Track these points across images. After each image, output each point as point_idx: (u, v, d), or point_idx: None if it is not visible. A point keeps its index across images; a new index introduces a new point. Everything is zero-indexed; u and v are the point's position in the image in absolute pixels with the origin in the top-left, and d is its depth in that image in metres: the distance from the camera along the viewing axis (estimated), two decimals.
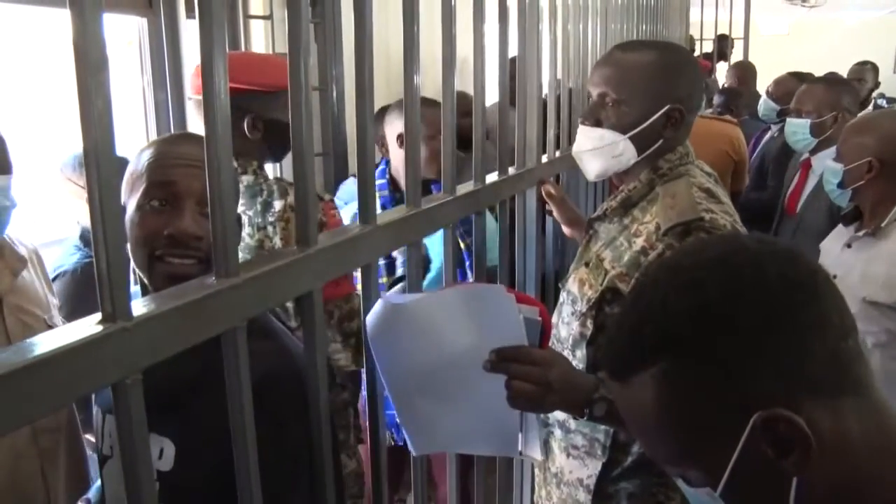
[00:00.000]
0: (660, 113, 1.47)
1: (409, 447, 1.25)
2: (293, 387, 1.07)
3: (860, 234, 2.07)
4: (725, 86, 5.42)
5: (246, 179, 1.72)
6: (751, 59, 6.44)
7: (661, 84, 1.47)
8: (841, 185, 2.12)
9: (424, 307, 1.12)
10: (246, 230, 1.69)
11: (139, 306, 0.70)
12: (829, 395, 0.69)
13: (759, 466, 0.69)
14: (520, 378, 1.12)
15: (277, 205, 1.71)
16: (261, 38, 2.61)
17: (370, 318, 1.13)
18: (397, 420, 1.23)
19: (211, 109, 0.79)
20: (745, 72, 5.39)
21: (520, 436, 1.22)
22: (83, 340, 0.64)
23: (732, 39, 6.52)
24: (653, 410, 0.73)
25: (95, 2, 0.63)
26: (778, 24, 11.18)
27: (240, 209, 1.64)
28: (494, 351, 1.12)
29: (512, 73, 1.70)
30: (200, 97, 1.72)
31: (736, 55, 6.53)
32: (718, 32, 6.51)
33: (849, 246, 2.10)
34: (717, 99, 5.09)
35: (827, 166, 2.19)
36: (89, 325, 0.66)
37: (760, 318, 0.69)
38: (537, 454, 1.24)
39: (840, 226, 2.21)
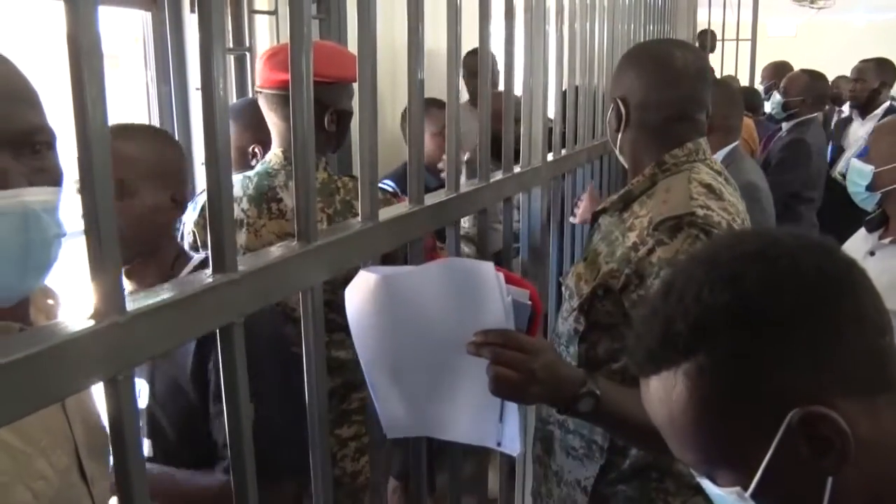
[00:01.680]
0: (612, 106, 1.58)
1: (384, 430, 1.20)
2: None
3: (886, 241, 1.96)
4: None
5: (319, 177, 1.72)
6: (758, 61, 6.41)
7: (614, 79, 1.62)
8: (870, 188, 2.00)
9: (406, 280, 1.07)
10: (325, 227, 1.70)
11: (133, 301, 0.69)
12: (866, 392, 0.68)
13: (793, 465, 0.67)
14: (503, 364, 1.06)
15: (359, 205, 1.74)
16: (265, 33, 2.61)
17: (349, 289, 1.08)
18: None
19: (210, 104, 0.78)
20: (780, 71, 5.29)
21: (498, 426, 1.16)
22: (73, 335, 0.62)
23: (713, 33, 6.37)
24: (684, 407, 0.71)
25: None
26: (786, 25, 11.16)
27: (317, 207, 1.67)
28: (479, 333, 1.06)
29: (472, 68, 1.70)
30: (272, 91, 1.76)
31: (743, 57, 6.49)
32: (726, 34, 6.48)
33: (872, 254, 1.98)
34: None
35: (853, 166, 2.07)
36: (80, 320, 0.65)
37: (798, 311, 0.68)
38: (516, 447, 1.18)
39: (860, 232, 2.09)
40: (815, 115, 4.15)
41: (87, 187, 0.64)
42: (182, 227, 1.83)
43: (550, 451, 1.61)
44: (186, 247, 1.73)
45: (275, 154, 1.82)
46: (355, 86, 1.10)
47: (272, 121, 1.82)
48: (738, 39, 6.54)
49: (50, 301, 1.01)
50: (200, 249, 1.74)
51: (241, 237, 1.75)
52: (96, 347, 0.64)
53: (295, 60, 0.93)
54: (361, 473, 1.85)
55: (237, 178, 1.82)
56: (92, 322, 0.65)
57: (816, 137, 4.03)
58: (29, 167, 0.80)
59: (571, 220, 2.25)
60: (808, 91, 4.08)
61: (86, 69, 0.62)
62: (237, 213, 1.76)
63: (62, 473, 0.90)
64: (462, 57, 1.43)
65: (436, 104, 2.33)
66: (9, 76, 0.82)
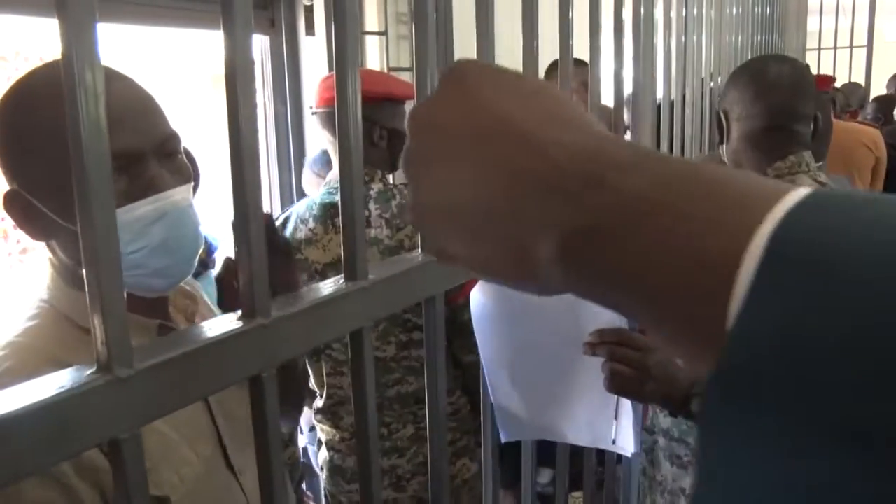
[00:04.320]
0: (716, 120, 1.72)
1: (499, 432, 1.25)
2: None
3: None
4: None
5: (375, 188, 1.88)
6: (874, 68, 6.14)
7: (720, 95, 1.77)
8: None
9: None
10: (385, 232, 1.85)
11: (276, 305, 0.74)
12: None
13: None
14: (619, 361, 1.10)
15: None
16: (375, 54, 2.69)
17: (473, 292, 1.15)
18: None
19: (345, 122, 0.83)
20: None
21: (614, 424, 1.19)
22: (225, 334, 0.68)
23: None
24: None
25: (246, 24, 0.68)
26: None
27: (375, 213, 1.86)
28: (595, 332, 1.11)
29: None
30: (325, 109, 1.90)
31: (857, 64, 6.24)
32: (839, 41, 6.24)
33: None
34: (870, 106, 4.98)
35: None
36: (231, 321, 0.70)
37: None
38: (630, 446, 1.20)
39: None
40: None
41: (238, 197, 0.69)
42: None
43: (655, 462, 1.63)
44: None
45: (333, 172, 1.93)
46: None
47: (328, 139, 1.95)
48: (851, 46, 6.29)
49: (187, 301, 1.09)
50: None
51: (311, 252, 1.92)
52: (244, 347, 0.69)
53: (420, 80, 0.97)
54: (457, 476, 1.91)
55: (304, 204, 1.99)
56: (240, 323, 0.70)
57: None
58: (168, 170, 0.92)
59: None
60: None
61: (241, 91, 0.67)
62: (305, 232, 1.92)
63: (206, 460, 0.97)
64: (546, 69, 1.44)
65: None
66: (141, 94, 0.93)
